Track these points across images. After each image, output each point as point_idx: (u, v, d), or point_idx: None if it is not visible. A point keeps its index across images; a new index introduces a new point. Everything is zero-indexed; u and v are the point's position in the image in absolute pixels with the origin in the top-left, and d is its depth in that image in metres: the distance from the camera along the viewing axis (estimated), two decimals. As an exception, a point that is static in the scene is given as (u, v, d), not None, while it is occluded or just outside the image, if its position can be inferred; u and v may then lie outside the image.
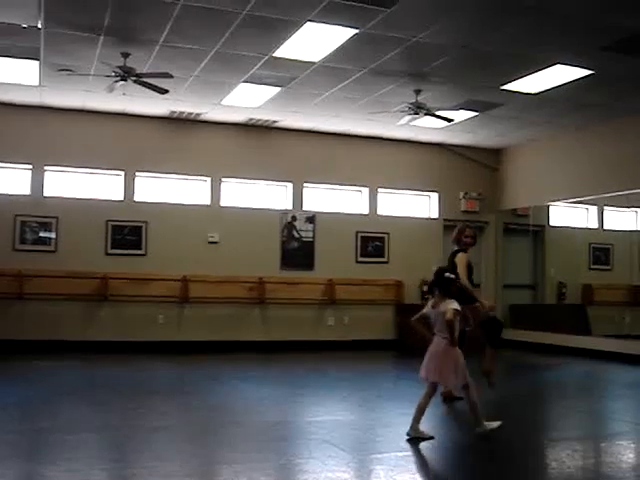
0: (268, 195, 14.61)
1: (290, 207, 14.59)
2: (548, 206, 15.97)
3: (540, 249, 16.35)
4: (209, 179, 14.03)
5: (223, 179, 14.13)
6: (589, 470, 5.75)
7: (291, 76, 10.89)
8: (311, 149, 14.72)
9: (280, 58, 10.02)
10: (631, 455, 6.27)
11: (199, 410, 7.90)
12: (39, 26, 8.89)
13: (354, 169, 15.03)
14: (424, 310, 6.55)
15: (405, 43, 9.34)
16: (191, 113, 13.31)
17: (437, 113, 11.78)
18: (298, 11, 8.37)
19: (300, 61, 10.16)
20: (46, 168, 13.07)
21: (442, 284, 6.47)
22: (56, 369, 10.88)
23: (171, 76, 10.13)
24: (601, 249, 15.80)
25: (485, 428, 6.34)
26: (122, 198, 13.42)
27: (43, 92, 11.98)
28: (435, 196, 15.88)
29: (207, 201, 14.01)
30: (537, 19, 8.52)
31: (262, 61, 10.19)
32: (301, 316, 14.27)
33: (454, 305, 6.29)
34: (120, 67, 9.94)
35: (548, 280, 16.26)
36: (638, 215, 16.11)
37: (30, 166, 12.98)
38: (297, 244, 14.53)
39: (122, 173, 13.47)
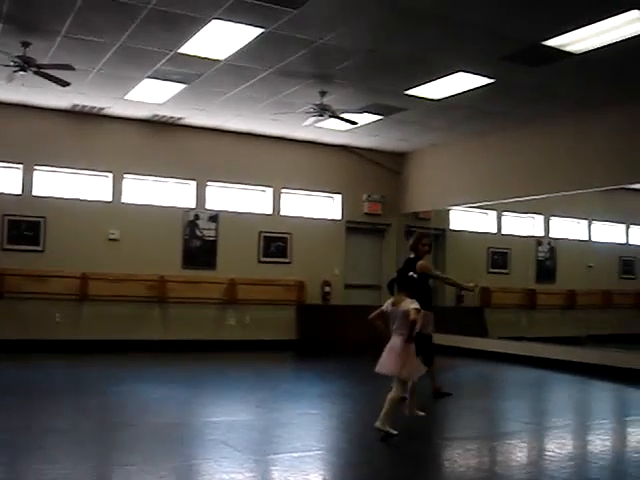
0: (171, 193, 14.44)
1: (193, 205, 14.45)
2: (449, 210, 16.28)
3: (440, 252, 16.61)
4: (111, 175, 13.77)
5: (125, 175, 13.88)
6: (480, 469, 5.87)
7: (196, 73, 10.79)
8: (215, 147, 14.62)
9: (185, 55, 9.92)
10: (520, 454, 6.43)
11: (93, 411, 7.75)
12: None
13: (258, 169, 15.00)
14: (383, 307, 6.75)
15: (311, 44, 9.37)
16: (94, 107, 13.05)
17: (342, 115, 11.87)
18: (204, 8, 8.30)
19: (205, 58, 10.07)
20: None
21: (405, 284, 6.73)
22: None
23: (73, 68, 9.90)
24: (499, 253, 16.19)
25: (385, 429, 6.36)
26: (20, 192, 13.04)
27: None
28: (338, 198, 15.99)
29: (108, 197, 13.75)
30: (441, 27, 8.68)
31: (167, 57, 10.07)
32: (202, 315, 14.16)
33: (415, 305, 6.48)
34: (20, 57, 9.64)
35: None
36: (535, 221, 16.60)
37: None
38: (199, 243, 14.41)
39: (20, 166, 13.08)
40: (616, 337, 14.64)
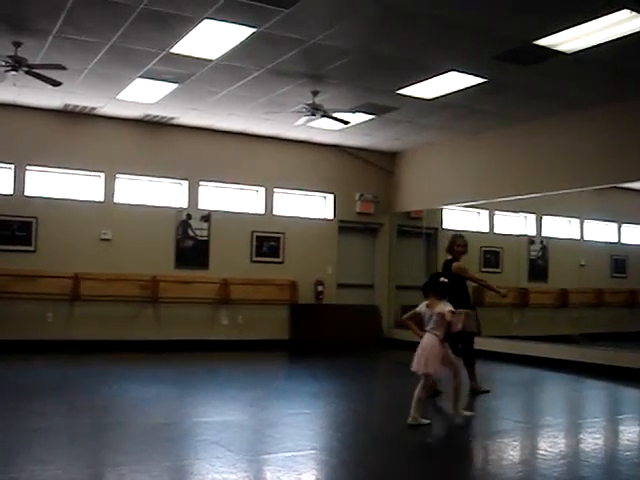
0: (163, 193, 14.43)
1: (185, 205, 14.43)
2: (441, 209, 16.30)
3: (433, 251, 16.62)
4: (103, 175, 13.74)
5: (117, 175, 13.86)
6: (473, 468, 5.88)
7: (188, 73, 10.78)
8: (208, 147, 14.61)
9: (177, 54, 9.90)
10: (512, 453, 6.43)
11: (84, 411, 7.73)
12: None
13: (251, 168, 14.99)
14: (417, 309, 7.20)
15: (303, 44, 9.37)
16: (86, 107, 13.03)
17: (334, 115, 11.87)
18: (196, 8, 8.30)
19: (198, 58, 10.06)
20: None
21: (437, 288, 7.21)
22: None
23: (64, 68, 9.88)
24: (491, 252, 16.21)
25: (417, 422, 6.90)
26: (11, 192, 13.00)
27: None
28: (331, 197, 15.99)
29: (101, 197, 13.72)
30: (433, 27, 8.70)
31: (159, 57, 10.05)
32: (195, 315, 14.15)
33: (450, 307, 7.02)
34: (11, 57, 9.62)
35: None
36: (527, 220, 16.64)
37: None
38: (192, 243, 14.40)
39: (12, 167, 13.03)
40: (608, 335, 14.69)
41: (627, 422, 8.28)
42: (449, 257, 9.30)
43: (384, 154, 16.35)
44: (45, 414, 7.45)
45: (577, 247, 16.41)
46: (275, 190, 15.36)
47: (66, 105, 12.91)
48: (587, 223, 17.25)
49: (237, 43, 9.37)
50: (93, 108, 13.10)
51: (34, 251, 12.98)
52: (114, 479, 5.19)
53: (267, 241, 15.07)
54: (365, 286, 16.37)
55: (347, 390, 9.92)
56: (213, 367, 12.05)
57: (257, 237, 15.00)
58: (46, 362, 11.63)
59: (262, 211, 15.21)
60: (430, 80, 10.77)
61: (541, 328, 14.28)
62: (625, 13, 7.74)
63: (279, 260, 15.17)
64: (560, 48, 9.13)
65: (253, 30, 8.90)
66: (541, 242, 16.79)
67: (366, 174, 16.19)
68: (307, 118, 12.03)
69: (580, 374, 11.62)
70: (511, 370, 12.57)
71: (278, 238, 15.18)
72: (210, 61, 10.18)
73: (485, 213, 16.61)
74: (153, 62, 10.30)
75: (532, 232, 16.91)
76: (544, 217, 16.93)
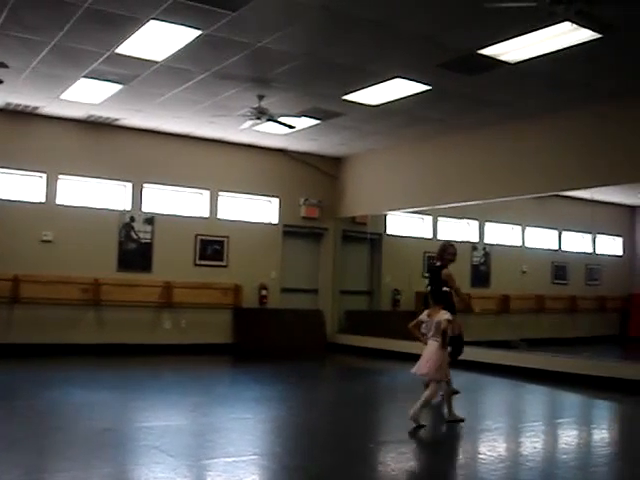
0: (107, 194, 14.25)
1: (129, 207, 14.28)
2: (385, 215, 16.42)
3: (377, 257, 16.76)
4: (45, 175, 13.52)
5: (60, 176, 13.65)
6: (412, 471, 5.93)
7: (133, 74, 10.68)
8: (152, 149, 14.48)
9: (122, 55, 9.80)
10: (452, 457, 6.50)
11: (23, 416, 7.61)
12: None
13: (195, 171, 14.91)
14: (420, 317, 7.82)
15: (249, 48, 9.36)
16: (28, 106, 12.82)
17: (279, 119, 11.87)
18: (142, 8, 8.22)
19: (143, 59, 9.97)
20: None
21: (440, 298, 8.10)
22: None
23: (7, 66, 9.76)
24: (434, 258, 16.32)
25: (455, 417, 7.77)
26: (-51, 192, 12.76)
27: None
28: (276, 201, 15.97)
29: (42, 198, 13.50)
30: (379, 33, 8.75)
31: (103, 57, 9.94)
32: (137, 319, 14.01)
33: (447, 316, 7.59)
34: (-51, 53, 9.46)
35: (384, 287, 16.71)
36: (470, 226, 16.84)
37: None
38: (135, 245, 14.25)
39: (-51, 166, 12.80)
40: (549, 341, 14.95)
41: (565, 426, 8.45)
42: (437, 263, 9.47)
43: (329, 159, 16.39)
44: (-18, 419, 7.33)
45: (519, 254, 16.70)
46: (220, 193, 15.29)
47: (8, 104, 12.69)
48: (529, 230, 17.55)
49: (183, 45, 9.31)
50: (36, 107, 12.90)
51: (-28, 252, 12.74)
52: (53, 485, 5.13)
53: (211, 244, 14.99)
54: (309, 291, 16.38)
55: (290, 395, 9.92)
56: (156, 371, 11.95)
57: (201, 240, 14.92)
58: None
59: (206, 214, 15.13)
60: (375, 86, 10.83)
61: (483, 333, 14.44)
62: (566, 25, 7.87)
63: (223, 264, 15.10)
64: (503, 58, 9.27)
65: (199, 32, 8.85)
66: (484, 248, 17.02)
67: (311, 179, 16.21)
68: (253, 122, 11.99)
69: (520, 379, 11.78)
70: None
71: (222, 242, 15.11)
72: (155, 62, 10.10)
73: (429, 219, 16.78)
74: (98, 62, 10.17)
75: (475, 238, 17.14)
76: (487, 224, 17.18)
